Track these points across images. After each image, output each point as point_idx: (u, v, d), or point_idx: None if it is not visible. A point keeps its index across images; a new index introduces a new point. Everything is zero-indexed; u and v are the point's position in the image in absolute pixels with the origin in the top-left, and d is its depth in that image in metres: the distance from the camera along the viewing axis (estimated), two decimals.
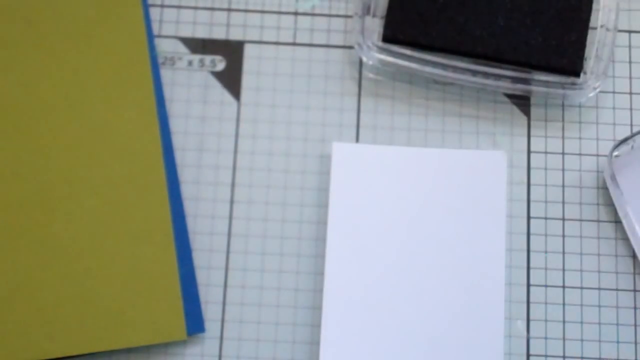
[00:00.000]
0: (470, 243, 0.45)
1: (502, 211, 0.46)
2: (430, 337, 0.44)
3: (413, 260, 0.45)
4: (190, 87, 0.48)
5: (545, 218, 0.47)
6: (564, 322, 0.45)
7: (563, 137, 0.48)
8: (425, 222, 0.45)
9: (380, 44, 0.47)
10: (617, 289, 0.46)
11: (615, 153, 0.46)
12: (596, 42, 0.47)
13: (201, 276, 0.46)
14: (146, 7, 0.49)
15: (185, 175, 0.47)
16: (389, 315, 0.44)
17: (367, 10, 0.47)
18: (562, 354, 0.45)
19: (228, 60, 0.49)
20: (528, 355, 0.45)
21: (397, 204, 0.46)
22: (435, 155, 0.47)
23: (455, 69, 0.46)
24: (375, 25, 0.48)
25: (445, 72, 0.46)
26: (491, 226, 0.45)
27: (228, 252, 0.46)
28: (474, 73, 0.46)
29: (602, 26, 0.47)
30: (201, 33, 0.49)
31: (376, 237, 0.45)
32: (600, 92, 0.48)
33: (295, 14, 0.50)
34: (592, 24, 0.47)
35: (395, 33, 0.47)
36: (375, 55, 0.47)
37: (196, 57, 0.49)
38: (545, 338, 0.45)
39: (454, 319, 0.44)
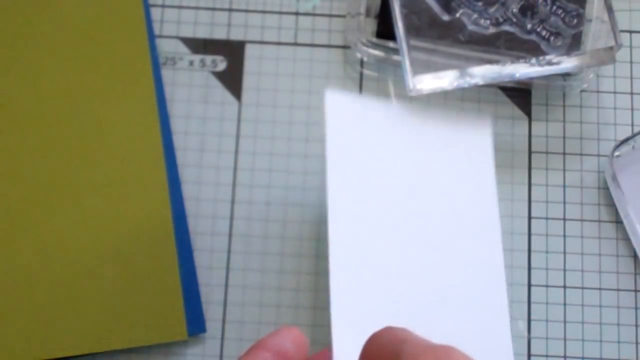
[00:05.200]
0: (463, 196, 0.44)
1: (491, 171, 0.44)
2: (433, 289, 0.43)
3: (413, 214, 0.43)
4: (191, 87, 0.48)
5: (546, 218, 0.47)
6: (564, 322, 0.45)
7: (564, 137, 0.48)
8: (420, 178, 0.44)
9: (375, 40, 0.47)
10: (618, 289, 0.46)
11: (617, 153, 0.46)
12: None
13: (202, 276, 0.46)
14: (147, 7, 0.49)
15: (186, 175, 0.47)
16: (395, 270, 0.42)
17: (359, 10, 0.48)
18: (563, 354, 0.45)
19: (229, 60, 0.49)
20: (529, 356, 0.45)
21: (393, 160, 0.44)
22: (430, 115, 0.45)
23: (450, 55, 0.46)
24: (369, 24, 0.48)
25: (438, 59, 0.46)
26: (482, 184, 0.44)
27: (229, 252, 0.46)
28: (468, 59, 0.46)
29: None
30: (202, 33, 0.49)
31: (376, 190, 0.43)
32: (601, 92, 0.48)
33: (296, 14, 0.50)
34: None
35: (389, 28, 0.47)
36: (370, 51, 0.47)
37: (197, 57, 0.49)
38: (546, 338, 0.45)
39: (456, 272, 0.43)
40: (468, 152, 0.45)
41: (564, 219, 0.47)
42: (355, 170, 0.43)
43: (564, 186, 0.47)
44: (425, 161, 0.44)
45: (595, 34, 0.46)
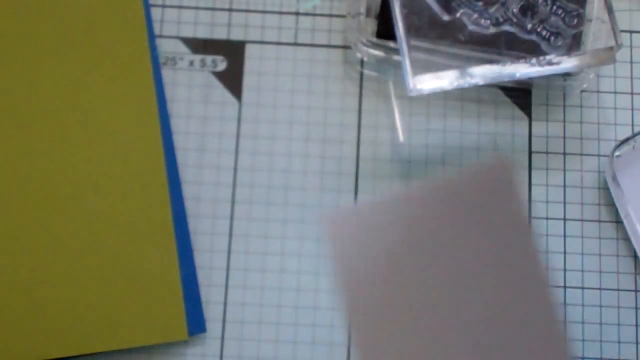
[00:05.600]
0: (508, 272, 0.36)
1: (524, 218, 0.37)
2: None
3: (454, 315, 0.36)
4: (191, 87, 0.48)
5: (547, 218, 0.47)
6: (565, 322, 0.45)
7: (564, 137, 0.48)
8: (453, 264, 0.36)
9: (375, 40, 0.47)
10: (618, 289, 0.46)
11: (617, 153, 0.46)
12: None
13: (202, 276, 0.46)
14: (147, 7, 0.49)
15: (187, 175, 0.47)
16: None
17: (359, 10, 0.48)
18: None
19: (229, 60, 0.49)
20: None
21: (414, 255, 0.36)
22: (439, 189, 0.37)
23: (450, 55, 0.46)
24: (369, 24, 0.48)
25: (438, 59, 0.46)
26: (520, 242, 0.36)
27: (229, 252, 0.46)
28: (468, 59, 0.46)
29: None
30: (202, 33, 0.49)
31: (403, 303, 0.36)
32: (601, 92, 0.48)
33: (297, 14, 0.50)
34: None
35: (389, 28, 0.47)
36: (370, 51, 0.47)
37: (197, 57, 0.49)
38: None
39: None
40: (494, 209, 0.36)
41: (564, 219, 0.47)
42: (376, 288, 0.36)
43: (564, 186, 0.47)
44: (453, 242, 0.36)
45: (595, 34, 0.46)
